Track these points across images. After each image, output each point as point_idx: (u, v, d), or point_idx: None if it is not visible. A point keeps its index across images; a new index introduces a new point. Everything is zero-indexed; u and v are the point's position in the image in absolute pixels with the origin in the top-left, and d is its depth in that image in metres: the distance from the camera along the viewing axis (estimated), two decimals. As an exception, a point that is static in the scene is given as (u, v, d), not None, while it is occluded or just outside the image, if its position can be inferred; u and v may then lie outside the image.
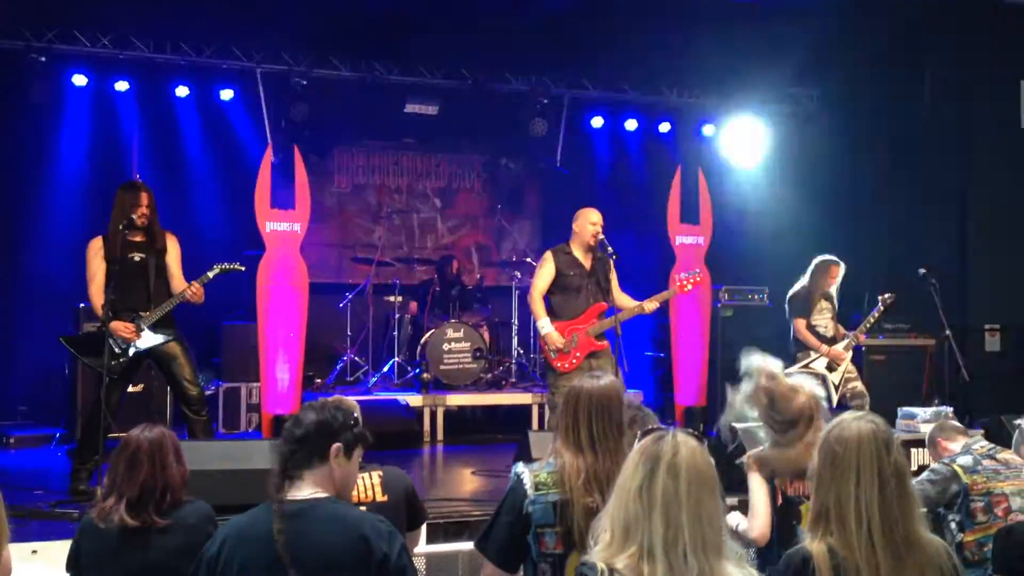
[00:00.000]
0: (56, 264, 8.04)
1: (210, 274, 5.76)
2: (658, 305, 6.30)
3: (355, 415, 2.77)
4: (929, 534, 2.44)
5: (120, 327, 5.53)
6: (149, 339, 5.65)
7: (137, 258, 5.71)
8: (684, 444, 2.20)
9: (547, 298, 6.37)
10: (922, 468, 4.74)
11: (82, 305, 7.19)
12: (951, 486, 4.09)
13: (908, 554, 2.31)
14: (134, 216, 5.66)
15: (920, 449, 6.15)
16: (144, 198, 5.73)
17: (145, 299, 5.69)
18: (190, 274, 5.88)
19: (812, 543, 2.35)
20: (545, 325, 6.23)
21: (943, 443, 4.45)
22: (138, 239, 5.74)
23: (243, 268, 6.19)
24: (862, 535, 2.30)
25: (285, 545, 2.45)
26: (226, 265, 5.84)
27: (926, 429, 6.62)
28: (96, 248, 5.68)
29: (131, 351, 5.60)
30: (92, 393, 6.25)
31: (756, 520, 3.62)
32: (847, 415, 2.52)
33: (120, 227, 5.55)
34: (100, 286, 5.59)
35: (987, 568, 3.87)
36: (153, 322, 5.65)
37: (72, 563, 3.24)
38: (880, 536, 2.29)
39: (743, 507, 3.88)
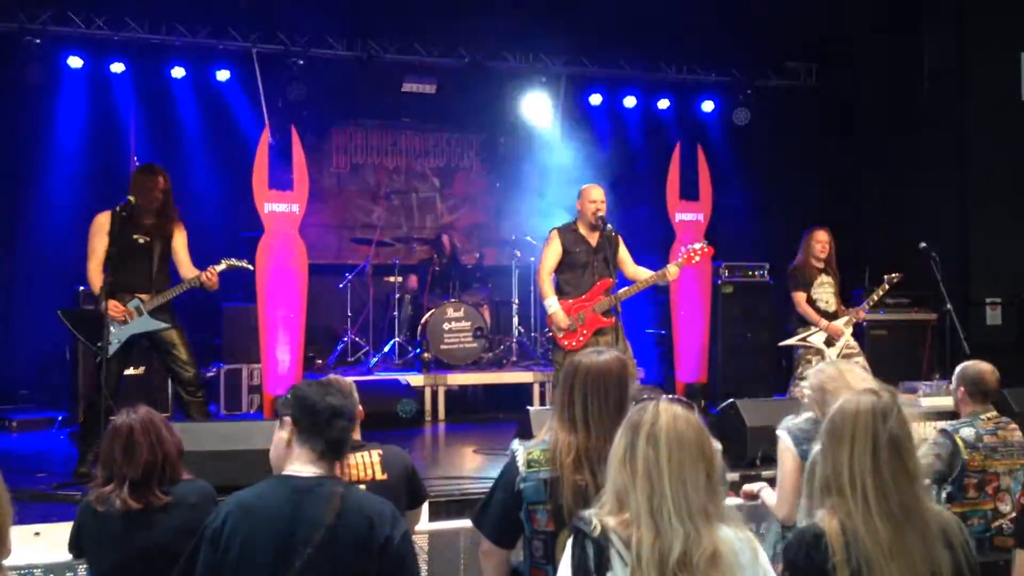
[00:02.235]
0: (56, 247, 8.03)
1: (217, 268, 5.71)
2: (679, 270, 6.24)
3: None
4: (935, 506, 2.42)
5: (113, 307, 5.47)
6: (145, 323, 5.62)
7: (142, 240, 5.68)
8: (665, 412, 2.21)
9: (555, 276, 6.34)
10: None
11: (82, 288, 7.17)
12: (956, 458, 4.10)
13: (908, 524, 2.29)
14: (149, 199, 5.63)
15: (921, 424, 6.17)
16: (160, 182, 5.71)
17: (146, 282, 5.65)
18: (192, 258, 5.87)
19: (823, 519, 2.34)
20: (551, 304, 6.18)
21: (965, 396, 4.35)
22: (147, 221, 5.71)
23: (251, 267, 6.16)
24: (857, 502, 2.30)
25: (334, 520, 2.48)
26: (233, 261, 5.82)
27: (927, 403, 6.70)
28: (100, 224, 5.60)
29: (125, 334, 5.57)
30: (93, 376, 6.23)
31: (780, 503, 3.64)
32: (861, 389, 2.51)
33: (118, 207, 5.52)
34: (99, 263, 5.54)
35: None
36: (154, 307, 5.62)
37: (73, 545, 3.25)
38: (876, 504, 2.29)
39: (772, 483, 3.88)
